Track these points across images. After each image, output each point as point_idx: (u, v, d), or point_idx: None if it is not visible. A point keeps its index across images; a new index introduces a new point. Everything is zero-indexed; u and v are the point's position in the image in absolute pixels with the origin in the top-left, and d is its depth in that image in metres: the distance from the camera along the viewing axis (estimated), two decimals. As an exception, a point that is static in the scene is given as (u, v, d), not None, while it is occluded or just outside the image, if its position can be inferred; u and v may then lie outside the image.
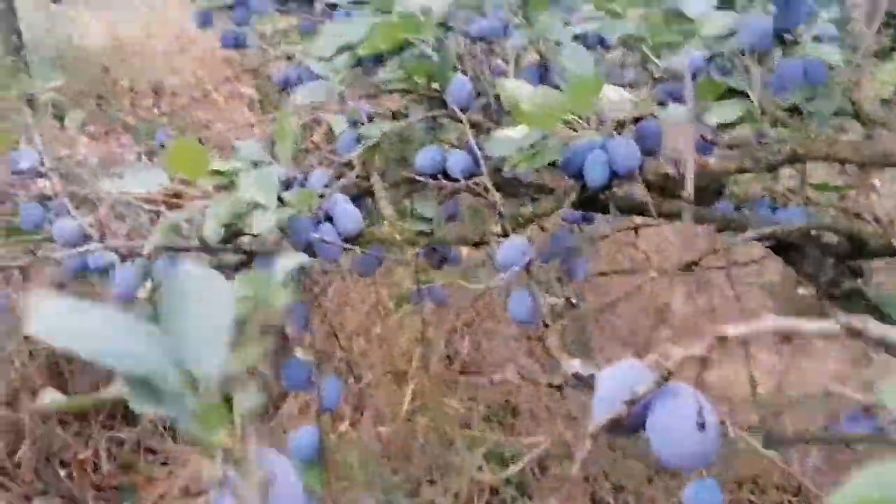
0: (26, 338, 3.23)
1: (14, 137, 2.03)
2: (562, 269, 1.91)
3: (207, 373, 0.41)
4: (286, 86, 2.65)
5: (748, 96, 1.34)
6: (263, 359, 0.43)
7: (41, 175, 1.92)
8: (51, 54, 5.70)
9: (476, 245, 1.52)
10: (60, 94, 2.47)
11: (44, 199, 1.92)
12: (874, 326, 0.50)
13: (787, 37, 1.42)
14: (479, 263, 2.41)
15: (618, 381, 0.64)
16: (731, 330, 0.56)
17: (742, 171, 1.30)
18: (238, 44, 2.52)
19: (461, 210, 1.97)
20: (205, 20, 2.35)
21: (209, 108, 5.20)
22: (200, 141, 5.02)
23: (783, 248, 1.66)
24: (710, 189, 1.77)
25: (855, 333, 0.51)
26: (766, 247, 1.73)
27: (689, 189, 0.79)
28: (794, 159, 1.26)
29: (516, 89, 1.34)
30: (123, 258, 1.57)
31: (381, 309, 3.04)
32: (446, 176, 1.58)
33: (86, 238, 1.79)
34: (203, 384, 0.41)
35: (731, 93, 1.38)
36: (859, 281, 1.64)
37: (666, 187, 1.47)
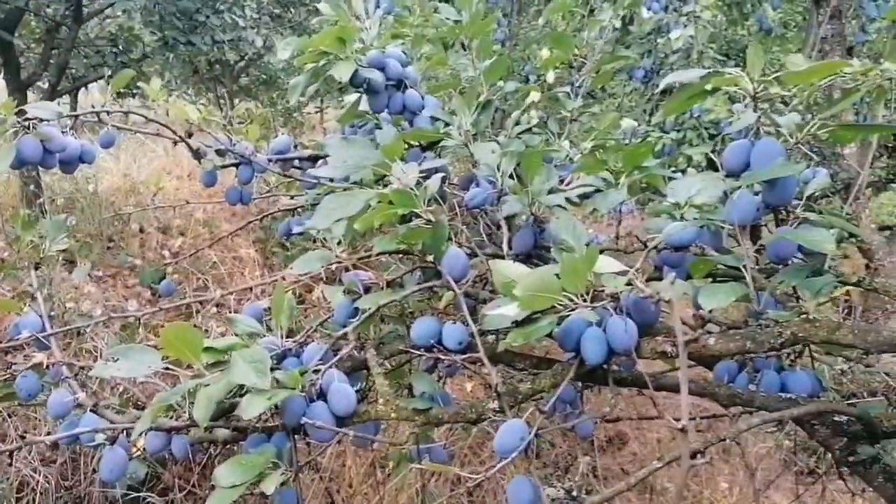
0: None
1: (16, 304, 2.03)
2: (566, 426, 1.84)
3: None
4: (288, 236, 2.70)
5: (741, 273, 1.33)
6: None
7: (41, 342, 1.92)
8: (67, 197, 5.86)
9: (473, 423, 1.48)
10: (72, 237, 2.50)
11: (41, 368, 1.91)
12: None
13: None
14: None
15: None
16: None
17: (744, 352, 1.28)
18: (242, 200, 2.57)
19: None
20: (210, 180, 2.40)
21: (216, 246, 5.28)
22: (206, 284, 5.11)
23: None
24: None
25: None
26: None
27: (684, 418, 0.76)
28: (795, 342, 1.24)
29: (509, 271, 1.34)
30: (112, 440, 1.53)
31: (380, 462, 2.94)
32: (442, 347, 1.56)
33: (79, 406, 1.77)
34: None
35: (723, 266, 1.38)
36: (877, 447, 1.58)
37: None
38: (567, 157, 2.16)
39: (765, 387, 1.59)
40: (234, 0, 6.72)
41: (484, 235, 1.94)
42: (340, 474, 3.06)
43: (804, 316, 1.23)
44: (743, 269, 1.31)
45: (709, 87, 1.33)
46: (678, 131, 3.71)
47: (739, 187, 1.43)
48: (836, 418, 1.42)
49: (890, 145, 5.87)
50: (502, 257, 1.67)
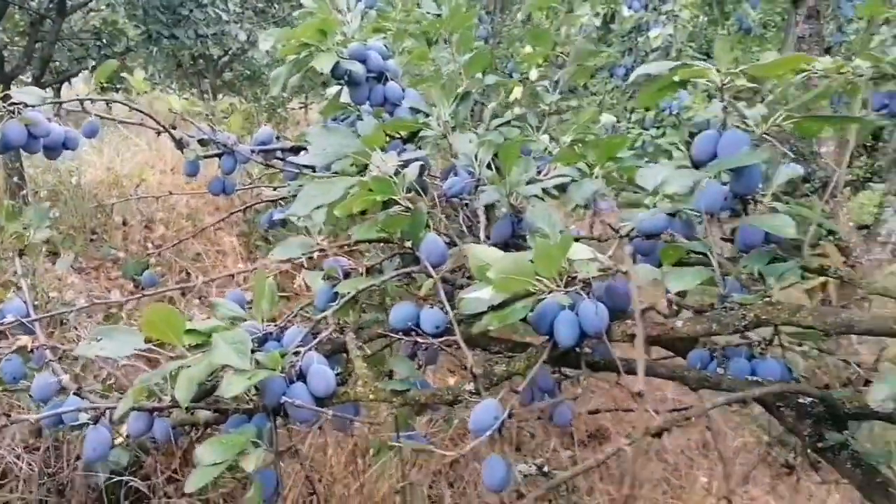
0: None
1: (1, 290, 2.06)
2: (544, 413, 1.88)
3: None
4: (271, 226, 2.72)
5: (708, 259, 1.37)
6: None
7: (25, 326, 1.94)
8: (50, 189, 5.85)
9: (450, 404, 1.52)
10: (55, 229, 2.52)
11: (25, 351, 1.93)
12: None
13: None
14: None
15: None
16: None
17: (710, 334, 1.32)
18: (225, 191, 2.59)
19: (439, 353, 1.98)
20: (193, 170, 2.42)
21: (200, 238, 5.28)
22: (188, 274, 5.12)
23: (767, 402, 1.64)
24: (685, 339, 1.79)
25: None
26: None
27: (640, 382, 0.81)
28: (758, 324, 1.28)
29: (485, 255, 1.37)
30: (96, 419, 1.56)
31: (361, 452, 2.98)
32: (420, 332, 1.59)
33: (63, 390, 1.80)
34: None
35: (693, 254, 1.42)
36: (846, 433, 1.62)
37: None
38: (546, 150, 2.20)
39: (734, 373, 1.63)
40: (219, -6, 6.74)
41: (464, 227, 1.98)
42: (322, 463, 3.09)
43: (767, 299, 1.28)
44: (709, 255, 1.36)
45: (677, 78, 1.37)
46: (657, 128, 3.77)
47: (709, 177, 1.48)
48: (800, 400, 1.46)
49: (868, 145, 5.97)
50: (480, 246, 1.71)
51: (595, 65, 4.39)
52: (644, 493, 4.38)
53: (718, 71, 1.39)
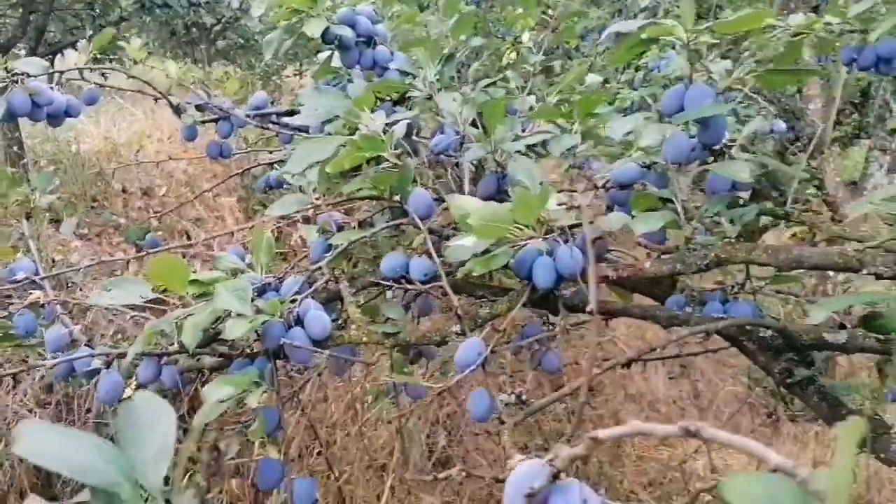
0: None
1: (12, 251, 2.16)
2: (534, 361, 1.99)
3: (153, 485, 0.52)
4: (267, 190, 2.82)
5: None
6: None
7: (35, 284, 2.05)
8: (50, 159, 5.93)
9: (438, 344, 1.63)
10: (57, 197, 2.62)
11: (37, 306, 2.03)
12: (705, 428, 0.61)
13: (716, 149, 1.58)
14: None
15: (521, 478, 0.75)
16: (602, 433, 0.67)
17: (675, 273, 1.43)
18: (223, 154, 2.68)
19: (433, 305, 2.09)
20: (191, 134, 2.51)
21: (199, 204, 5.39)
22: (189, 236, 5.22)
23: (738, 341, 1.76)
24: (663, 284, 1.90)
25: (691, 434, 0.61)
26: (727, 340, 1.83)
27: (593, 303, 0.91)
28: (718, 263, 1.39)
29: (465, 204, 1.47)
30: (108, 364, 1.67)
31: (361, 401, 3.12)
32: (409, 279, 1.70)
33: (74, 342, 1.91)
34: (150, 494, 0.52)
35: (663, 201, 1.52)
36: (813, 369, 1.74)
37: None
38: (531, 110, 2.29)
39: (707, 314, 1.75)
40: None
41: (454, 186, 2.08)
42: (323, 411, 3.22)
43: (727, 240, 1.38)
44: (674, 200, 1.46)
45: (644, 35, 1.46)
46: (645, 88, 3.84)
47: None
48: (761, 334, 1.57)
49: (856, 102, 6.04)
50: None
51: (585, 27, 4.45)
52: (636, 441, 4.53)
53: (684, 28, 1.47)
